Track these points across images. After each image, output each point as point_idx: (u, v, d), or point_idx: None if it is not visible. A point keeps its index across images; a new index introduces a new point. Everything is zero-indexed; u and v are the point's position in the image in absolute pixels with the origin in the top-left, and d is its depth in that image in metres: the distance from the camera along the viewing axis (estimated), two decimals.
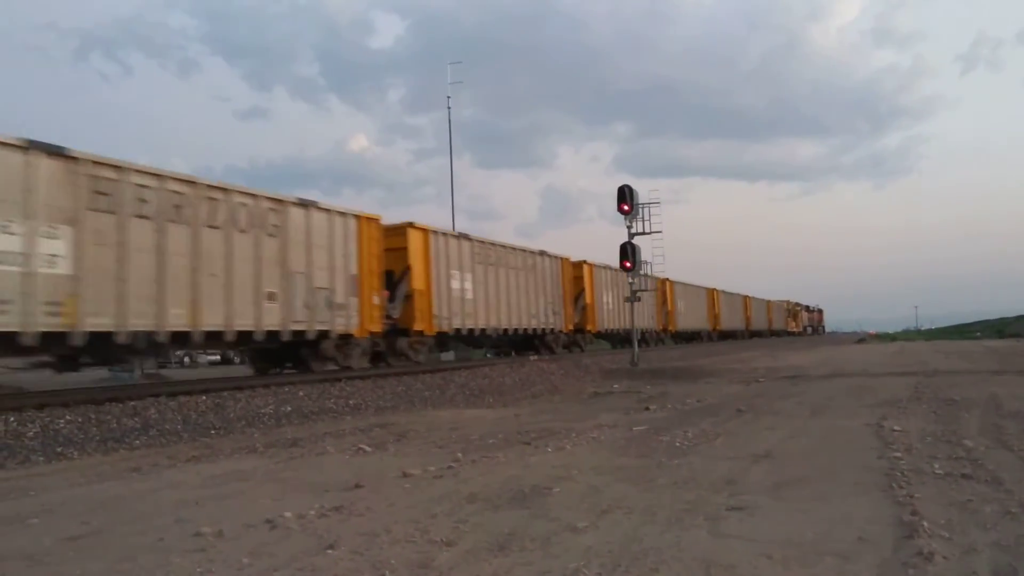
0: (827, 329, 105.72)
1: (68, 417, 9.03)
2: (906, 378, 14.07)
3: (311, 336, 14.60)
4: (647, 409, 10.10)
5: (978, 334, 58.97)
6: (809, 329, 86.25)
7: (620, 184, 20.69)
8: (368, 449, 7.21)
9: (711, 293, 46.30)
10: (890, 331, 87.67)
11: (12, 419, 8.62)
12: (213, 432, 9.20)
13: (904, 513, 4.15)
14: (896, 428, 7.40)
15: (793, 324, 75.89)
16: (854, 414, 8.88)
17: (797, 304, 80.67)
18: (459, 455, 6.57)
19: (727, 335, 48.98)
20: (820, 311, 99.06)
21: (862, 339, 59.81)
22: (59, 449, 7.82)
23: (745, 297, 56.07)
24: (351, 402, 12.05)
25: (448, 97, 33.81)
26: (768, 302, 64.19)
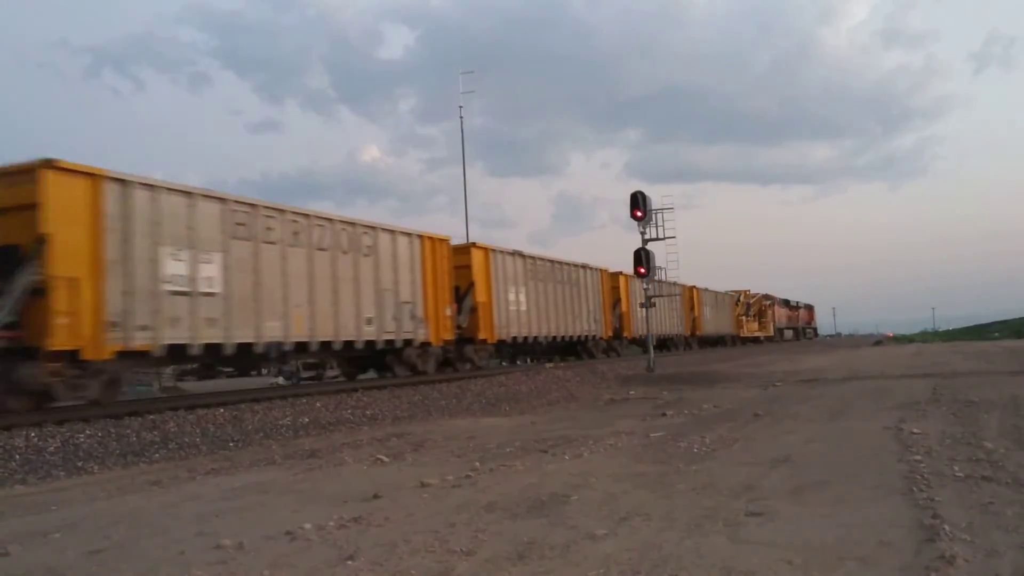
0: (839, 332, 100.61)
1: (88, 431, 9.08)
2: (924, 380, 13.95)
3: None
4: (664, 415, 10.07)
5: (996, 335, 58.27)
6: (789, 332, 61.25)
7: (632, 190, 20.88)
8: (386, 459, 7.23)
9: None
10: (907, 332, 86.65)
11: (33, 434, 8.69)
12: (231, 444, 9.25)
13: (925, 516, 4.12)
14: (915, 430, 7.35)
15: (755, 327, 50.70)
16: (873, 417, 8.82)
17: (766, 297, 54.82)
18: (477, 464, 6.58)
19: (749, 339, 49.32)
20: (809, 308, 72.74)
21: (879, 341, 59.32)
22: (80, 463, 7.88)
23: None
24: (368, 412, 12.07)
25: (460, 107, 33.91)
26: (693, 289, 37.77)
